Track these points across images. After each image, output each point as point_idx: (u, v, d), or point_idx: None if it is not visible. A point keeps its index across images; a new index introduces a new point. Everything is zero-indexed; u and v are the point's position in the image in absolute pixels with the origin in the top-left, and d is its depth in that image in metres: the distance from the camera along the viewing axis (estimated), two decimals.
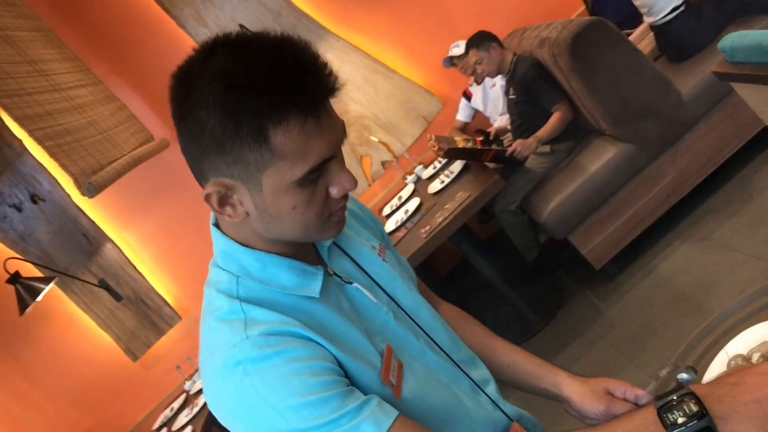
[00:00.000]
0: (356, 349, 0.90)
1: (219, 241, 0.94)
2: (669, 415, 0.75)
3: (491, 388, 1.10)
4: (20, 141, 3.76)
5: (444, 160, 4.02)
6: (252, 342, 0.82)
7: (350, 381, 0.87)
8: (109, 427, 4.53)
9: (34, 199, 4.17)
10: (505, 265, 4.29)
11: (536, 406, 1.28)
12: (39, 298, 3.56)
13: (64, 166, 2.92)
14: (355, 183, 0.88)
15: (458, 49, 4.06)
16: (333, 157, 0.86)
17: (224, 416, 0.85)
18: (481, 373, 1.11)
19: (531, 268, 3.85)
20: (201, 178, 0.86)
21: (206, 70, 0.80)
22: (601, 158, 3.25)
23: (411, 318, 1.03)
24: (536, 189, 3.50)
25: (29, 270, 3.96)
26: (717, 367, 1.23)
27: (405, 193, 4.16)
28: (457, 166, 3.79)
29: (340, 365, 0.86)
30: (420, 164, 4.32)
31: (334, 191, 0.87)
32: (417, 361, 0.98)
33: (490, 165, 3.60)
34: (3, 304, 3.62)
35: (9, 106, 2.94)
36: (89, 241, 4.27)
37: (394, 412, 0.84)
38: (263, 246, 0.91)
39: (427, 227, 3.27)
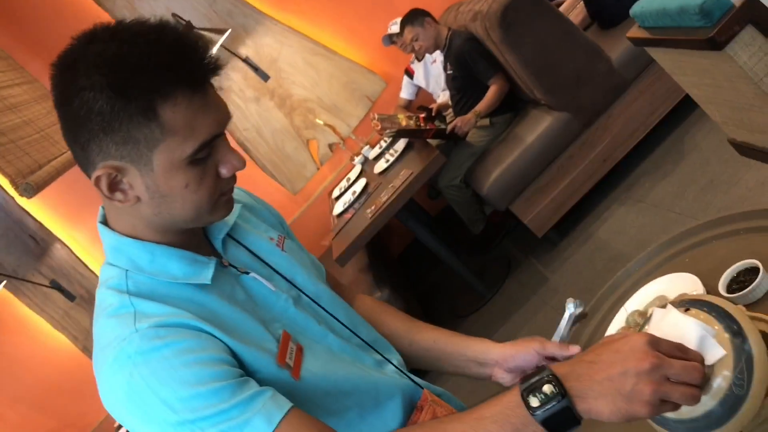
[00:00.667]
0: (251, 338, 0.90)
1: (107, 237, 0.93)
2: (531, 397, 0.77)
3: (396, 361, 1.12)
4: None
5: (389, 140, 4.05)
6: (141, 335, 0.82)
7: (245, 369, 0.87)
8: (72, 427, 4.50)
9: None
10: (455, 239, 4.36)
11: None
12: None
13: None
14: (243, 162, 0.90)
15: (396, 26, 4.06)
16: (221, 135, 0.88)
17: (118, 412, 0.85)
18: (385, 349, 1.13)
19: (478, 240, 3.92)
20: (88, 166, 0.86)
21: (90, 53, 0.81)
22: (537, 128, 3.30)
23: (313, 301, 1.05)
24: (478, 162, 3.55)
25: None
26: (617, 323, 1.29)
27: (353, 175, 4.19)
28: (401, 144, 3.82)
29: (234, 355, 0.87)
30: (367, 145, 4.34)
31: (224, 170, 0.89)
32: (318, 344, 0.99)
33: (433, 142, 3.64)
34: None
35: None
36: (37, 242, 4.21)
37: (287, 405, 0.84)
38: (153, 236, 0.92)
39: (373, 207, 3.30)
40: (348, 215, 3.58)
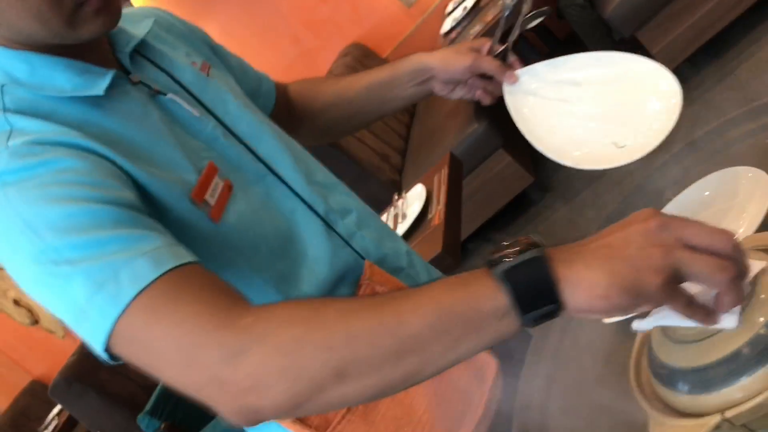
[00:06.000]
0: (162, 164, 0.77)
1: None
2: (496, 257, 0.60)
3: (349, 220, 0.96)
4: None
5: None
6: (12, 152, 0.69)
7: (151, 204, 0.74)
8: None
9: None
10: None
11: None
12: None
13: None
14: None
15: None
16: None
17: None
18: (340, 200, 0.98)
19: None
20: None
21: None
22: None
23: (244, 145, 0.89)
24: None
25: None
26: None
27: None
28: None
29: (137, 185, 0.73)
30: None
31: None
32: (253, 186, 0.86)
33: None
34: None
35: None
36: None
37: (188, 258, 0.67)
38: (26, 49, 0.77)
39: (477, 27, 2.99)
40: (453, 35, 3.29)
